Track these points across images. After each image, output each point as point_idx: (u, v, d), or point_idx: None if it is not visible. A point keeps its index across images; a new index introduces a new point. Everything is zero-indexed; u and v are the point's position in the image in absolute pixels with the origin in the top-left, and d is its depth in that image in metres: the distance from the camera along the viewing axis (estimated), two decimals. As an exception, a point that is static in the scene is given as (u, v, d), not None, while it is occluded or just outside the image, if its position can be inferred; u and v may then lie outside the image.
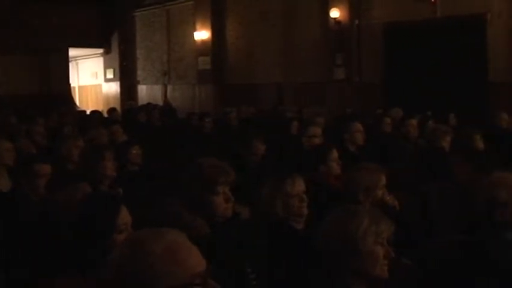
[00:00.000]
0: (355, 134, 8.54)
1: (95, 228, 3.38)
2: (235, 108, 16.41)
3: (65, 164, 7.39)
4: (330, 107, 18.17)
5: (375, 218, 3.23)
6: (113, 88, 28.80)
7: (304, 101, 18.94)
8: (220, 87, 23.38)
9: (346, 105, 17.04)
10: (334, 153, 6.24)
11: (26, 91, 23.54)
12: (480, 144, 7.98)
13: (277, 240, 4.15)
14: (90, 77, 31.05)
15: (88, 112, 18.74)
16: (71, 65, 29.04)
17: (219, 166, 4.10)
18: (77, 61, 31.30)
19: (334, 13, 18.94)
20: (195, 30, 23.82)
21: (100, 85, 30.02)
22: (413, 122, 9.93)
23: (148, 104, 21.01)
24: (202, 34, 23.53)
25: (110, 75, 29.02)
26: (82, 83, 31.85)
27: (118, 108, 20.60)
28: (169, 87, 25.74)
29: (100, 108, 23.40)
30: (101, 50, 29.02)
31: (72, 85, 28.86)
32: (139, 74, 27.68)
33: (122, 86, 28.29)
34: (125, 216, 3.50)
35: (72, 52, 28.03)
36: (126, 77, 28.10)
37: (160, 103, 23.73)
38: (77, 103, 28.96)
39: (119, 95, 28.20)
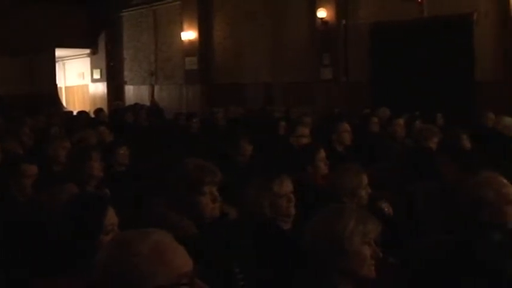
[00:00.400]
0: (342, 134, 8.56)
1: (81, 229, 3.38)
2: (222, 108, 16.41)
3: (52, 164, 7.38)
4: (317, 107, 18.17)
5: (362, 218, 3.24)
6: (100, 88, 28.72)
7: (292, 101, 18.94)
8: (207, 87, 23.35)
9: (334, 105, 17.05)
10: (322, 153, 6.25)
11: (12, 92, 23.42)
12: (467, 143, 8.00)
13: (265, 240, 4.15)
14: (77, 78, 30.94)
15: (75, 113, 18.70)
16: (57, 65, 28.93)
17: (205, 166, 4.10)
18: (64, 61, 31.19)
19: (321, 13, 18.95)
20: (182, 30, 23.77)
21: (87, 85, 29.93)
22: (401, 121, 9.95)
23: (136, 104, 20.99)
24: (189, 34, 23.50)
25: (96, 75, 28.93)
26: (69, 84, 31.74)
27: (105, 108, 20.56)
28: (156, 88, 25.69)
29: (87, 108, 23.35)
30: (87, 51, 28.93)
31: (58, 85, 28.74)
32: (127, 74, 27.61)
33: (108, 87, 28.21)
34: (111, 217, 3.49)
35: (59, 52, 27.91)
36: (113, 78, 28.03)
37: (148, 103, 23.70)
38: (64, 104, 28.87)
39: (105, 96, 28.13)
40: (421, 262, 4.08)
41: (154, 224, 2.69)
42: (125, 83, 27.67)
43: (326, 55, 19.20)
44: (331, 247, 3.15)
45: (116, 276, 2.09)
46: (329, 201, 4.10)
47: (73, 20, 26.38)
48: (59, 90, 28.68)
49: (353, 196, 5.01)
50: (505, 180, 4.09)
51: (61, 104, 27.24)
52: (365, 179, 5.12)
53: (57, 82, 28.20)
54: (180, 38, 23.86)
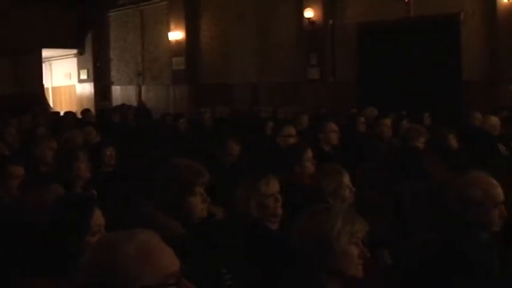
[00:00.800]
0: (329, 134, 8.56)
1: (68, 230, 3.36)
2: (209, 108, 16.40)
3: (39, 165, 7.35)
4: (304, 106, 18.18)
5: (349, 218, 3.24)
6: (87, 89, 28.66)
7: (279, 101, 18.96)
8: (194, 88, 23.34)
9: (321, 105, 17.06)
10: (309, 153, 6.25)
11: (-1, 92, 23.36)
12: (454, 143, 8.01)
13: (252, 240, 4.14)
14: (64, 78, 30.87)
15: (62, 113, 18.64)
16: (44, 65, 28.85)
17: (195, 167, 4.10)
18: (51, 62, 31.11)
19: (309, 13, 18.97)
20: (169, 30, 23.75)
21: (74, 86, 29.86)
22: (388, 121, 9.95)
23: (123, 104, 20.98)
24: (176, 34, 23.47)
25: (83, 76, 28.87)
26: (56, 84, 31.66)
27: (92, 109, 20.52)
28: (143, 88, 25.66)
29: (74, 109, 23.31)
30: (74, 51, 28.86)
31: (45, 86, 28.66)
32: (114, 74, 27.56)
33: (95, 87, 28.16)
34: (98, 218, 3.48)
35: (46, 53, 27.84)
36: (100, 78, 27.98)
37: (135, 104, 23.67)
38: (51, 104, 28.77)
39: (93, 96, 28.07)
40: (410, 262, 4.08)
41: (142, 224, 2.68)
42: (112, 83, 27.62)
43: (313, 55, 19.23)
44: (319, 247, 3.15)
45: (102, 277, 2.07)
46: (316, 201, 4.10)
47: (59, 20, 26.28)
48: (45, 90, 28.59)
49: (336, 196, 5.03)
50: (492, 180, 4.09)
51: (48, 104, 27.13)
52: (346, 179, 5.13)
53: (44, 82, 28.11)
54: (167, 38, 23.84)
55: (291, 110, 15.73)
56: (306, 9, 19.03)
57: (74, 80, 29.76)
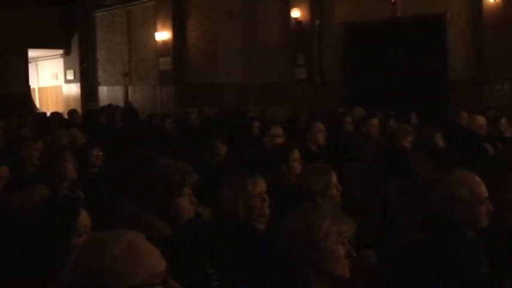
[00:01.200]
0: (317, 134, 8.57)
1: (54, 231, 3.35)
2: (196, 108, 16.38)
3: (25, 166, 7.32)
4: (291, 106, 18.18)
5: (336, 218, 3.24)
6: (74, 89, 28.57)
7: (267, 101, 18.95)
8: (181, 88, 23.30)
9: (308, 105, 17.06)
10: (296, 153, 6.24)
11: (-16, 93, 23.27)
12: (441, 143, 8.04)
13: (239, 240, 4.14)
14: (50, 79, 30.77)
15: (48, 114, 18.58)
16: (30, 66, 28.76)
17: (183, 167, 4.09)
18: (37, 62, 31.02)
19: (295, 13, 18.99)
20: (156, 30, 23.71)
21: (60, 86, 29.76)
22: (375, 121, 9.97)
23: (110, 105, 20.91)
24: (163, 35, 23.44)
25: (70, 76, 28.78)
26: (42, 85, 31.56)
27: (79, 109, 20.46)
28: (130, 88, 25.60)
29: (60, 109, 23.23)
30: (61, 51, 28.77)
31: (32, 86, 28.58)
32: (100, 75, 27.47)
33: (82, 87, 28.07)
34: (84, 219, 3.47)
35: (32, 53, 27.77)
36: (87, 78, 27.90)
37: (122, 104, 23.60)
38: (37, 105, 28.68)
39: (79, 97, 27.98)
40: (397, 262, 4.08)
41: (129, 225, 2.67)
42: (99, 83, 27.54)
43: (300, 55, 19.26)
44: (306, 247, 3.15)
45: (89, 277, 2.07)
46: (304, 201, 4.09)
47: (46, 20, 26.19)
48: (32, 91, 28.51)
49: (323, 196, 5.04)
50: (478, 179, 4.10)
51: (34, 105, 27.05)
52: (334, 178, 5.16)
53: (30, 83, 28.03)
54: (154, 38, 23.80)
55: (278, 110, 15.76)
56: (293, 9, 19.05)
57: (61, 81, 29.66)
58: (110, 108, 18.69)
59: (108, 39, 26.95)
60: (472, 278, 3.82)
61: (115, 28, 26.51)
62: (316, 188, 5.06)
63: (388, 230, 5.76)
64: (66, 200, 3.97)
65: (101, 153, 7.50)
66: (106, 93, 27.03)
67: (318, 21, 19.00)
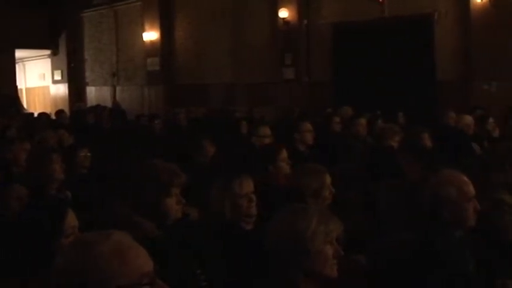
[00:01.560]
0: (305, 134, 8.56)
1: (41, 232, 3.34)
2: (185, 108, 16.36)
3: (12, 167, 7.30)
4: (280, 106, 18.20)
5: (323, 218, 3.24)
6: (61, 90, 28.48)
7: (254, 101, 18.96)
8: (169, 88, 23.27)
9: (296, 105, 17.06)
10: (284, 153, 6.24)
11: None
12: (428, 142, 8.06)
13: (227, 241, 4.14)
14: (38, 79, 30.66)
15: (35, 114, 18.52)
16: (17, 66, 28.67)
17: (171, 168, 4.09)
18: (24, 63, 30.91)
19: (283, 13, 18.98)
20: (143, 31, 23.66)
21: (48, 87, 29.66)
22: (363, 121, 9.98)
23: (97, 105, 20.84)
24: (151, 35, 23.40)
25: (57, 76, 28.68)
26: (29, 85, 31.44)
27: (66, 110, 20.40)
28: (118, 89, 25.54)
29: (48, 110, 23.12)
30: (48, 51, 28.66)
31: (19, 87, 28.47)
32: (88, 75, 27.41)
33: (70, 88, 27.97)
34: (72, 220, 3.46)
35: (19, 53, 27.66)
36: (75, 79, 27.81)
37: (110, 105, 23.54)
38: (25, 105, 28.58)
39: (67, 97, 27.88)
40: (386, 263, 4.09)
41: (117, 225, 2.67)
42: (87, 84, 27.47)
43: (288, 55, 19.25)
44: (294, 247, 3.15)
45: (77, 278, 2.08)
46: (292, 201, 4.09)
47: (33, 20, 26.08)
48: (19, 91, 28.40)
49: (317, 196, 5.03)
50: (466, 178, 4.12)
51: (21, 105, 26.96)
52: (328, 179, 5.15)
53: (18, 83, 27.92)
54: (142, 38, 23.76)
55: (266, 110, 15.77)
56: (281, 9, 19.04)
57: (48, 81, 29.55)
58: (98, 108, 18.62)
59: (96, 39, 26.88)
60: (460, 277, 3.83)
61: (102, 28, 26.44)
62: (309, 188, 5.05)
63: (376, 230, 5.76)
64: (53, 200, 3.96)
65: (88, 154, 7.47)
66: (94, 94, 26.96)
67: (305, 21, 19.00)
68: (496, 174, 5.14)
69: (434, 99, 15.88)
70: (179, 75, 23.11)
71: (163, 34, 23.22)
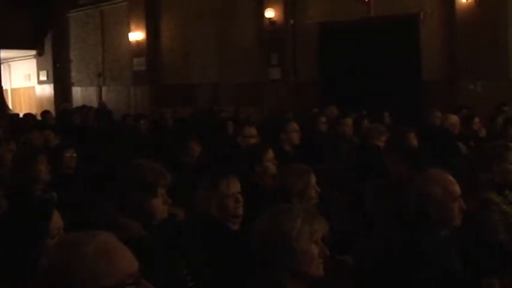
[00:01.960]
0: (291, 134, 8.56)
1: (27, 233, 3.32)
2: (171, 108, 16.34)
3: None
4: (266, 107, 18.21)
5: (308, 218, 3.24)
6: (47, 90, 28.36)
7: (241, 101, 18.96)
8: (155, 88, 23.23)
9: (282, 105, 17.07)
10: (270, 153, 6.24)
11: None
12: (414, 142, 8.08)
13: (213, 241, 4.14)
14: (23, 80, 30.53)
15: (21, 115, 18.45)
16: (2, 67, 28.49)
17: (157, 168, 4.08)
18: (9, 63, 30.76)
19: (269, 13, 18.98)
20: (129, 31, 23.61)
21: (33, 87, 29.52)
22: (349, 120, 10.01)
23: (83, 106, 20.79)
24: (137, 35, 23.35)
25: (43, 77, 28.56)
26: (15, 86, 31.29)
27: (52, 110, 20.34)
28: (104, 89, 25.47)
29: (34, 111, 23.04)
30: (33, 52, 28.53)
31: (4, 88, 28.30)
32: (74, 75, 27.32)
33: (56, 88, 27.85)
34: (57, 220, 3.45)
35: (4, 54, 27.51)
36: (60, 79, 27.69)
37: (96, 105, 23.48)
38: (10, 106, 28.43)
39: (53, 98, 27.76)
40: (373, 262, 4.10)
41: (103, 225, 2.66)
42: (72, 84, 27.38)
43: (274, 55, 19.25)
44: (280, 247, 3.14)
45: (62, 278, 2.08)
46: (278, 201, 4.09)
47: (18, 21, 25.94)
48: (4, 92, 28.26)
49: (302, 196, 5.02)
50: (451, 178, 4.14)
51: (7, 106, 26.82)
52: (313, 179, 5.14)
53: (3, 84, 27.77)
54: (128, 38, 23.71)
55: (252, 110, 15.77)
56: (267, 9, 19.04)
57: (34, 81, 29.43)
58: (84, 109, 18.59)
59: (82, 39, 26.80)
60: (446, 276, 3.84)
61: (88, 28, 26.36)
62: (295, 188, 5.04)
63: (363, 230, 5.77)
64: (39, 201, 3.95)
65: (74, 155, 7.45)
66: (80, 94, 26.87)
67: (292, 21, 19.01)
68: (482, 174, 5.16)
69: (420, 99, 15.94)
70: (165, 75, 23.08)
71: (149, 34, 23.18)
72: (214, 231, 4.28)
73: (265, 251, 3.19)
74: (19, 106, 29.84)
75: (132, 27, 23.50)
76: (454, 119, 10.17)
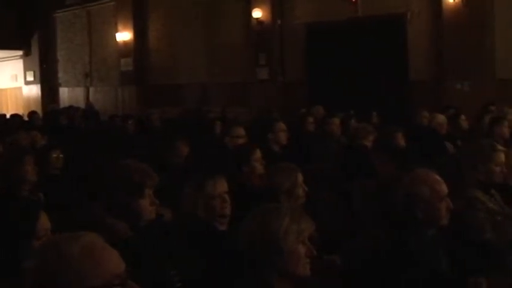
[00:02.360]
0: (279, 134, 8.56)
1: (13, 234, 3.31)
2: (159, 109, 16.32)
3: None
4: (254, 107, 18.21)
5: (295, 217, 3.23)
6: (34, 91, 28.27)
7: (229, 101, 18.94)
8: (143, 89, 23.21)
9: (270, 105, 17.07)
10: (257, 153, 6.23)
11: None
12: (402, 142, 8.10)
13: (200, 241, 4.13)
14: (10, 80, 30.41)
15: (8, 116, 18.39)
16: (-11, 67, 28.47)
17: (144, 169, 4.08)
18: (-4, 63, 30.69)
19: (257, 13, 18.99)
20: (116, 31, 23.57)
21: (20, 88, 29.42)
22: (336, 120, 10.02)
23: (70, 106, 20.75)
24: (124, 35, 23.32)
25: (30, 77, 28.47)
26: (1, 86, 31.16)
27: (39, 111, 20.27)
28: (91, 89, 25.43)
29: (20, 111, 22.96)
30: (20, 52, 28.44)
31: (-9, 88, 28.28)
32: (61, 76, 27.25)
33: (43, 89, 27.77)
34: (44, 222, 3.44)
35: (-10, 54, 27.49)
36: (47, 80, 27.62)
37: (83, 105, 23.43)
38: (-3, 107, 28.38)
39: (40, 98, 27.68)
40: (361, 262, 4.10)
41: (90, 226, 2.65)
42: (59, 85, 27.31)
43: (262, 55, 19.26)
44: (267, 247, 3.14)
45: (48, 278, 2.09)
46: (266, 201, 4.09)
47: (5, 21, 25.88)
48: (-10, 93, 28.22)
49: (289, 195, 5.02)
50: (438, 177, 4.15)
51: (-7, 107, 26.79)
52: (300, 178, 5.14)
53: (-11, 85, 27.74)
54: (115, 39, 23.67)
55: (240, 110, 15.75)
56: (254, 9, 19.05)
57: (21, 82, 29.32)
58: (71, 109, 18.57)
59: (69, 39, 26.73)
60: (433, 276, 3.85)
61: (75, 29, 26.30)
62: (282, 187, 5.04)
63: (351, 229, 5.78)
64: (26, 202, 3.93)
65: (61, 155, 7.43)
66: (67, 95, 26.81)
67: (279, 21, 19.03)
68: (469, 173, 5.17)
69: (407, 99, 15.98)
70: (153, 75, 23.05)
71: (136, 34, 23.16)
72: (202, 232, 4.27)
73: (252, 250, 3.19)
74: (6, 107, 29.72)
75: (120, 27, 23.46)
76: (441, 118, 10.20)
